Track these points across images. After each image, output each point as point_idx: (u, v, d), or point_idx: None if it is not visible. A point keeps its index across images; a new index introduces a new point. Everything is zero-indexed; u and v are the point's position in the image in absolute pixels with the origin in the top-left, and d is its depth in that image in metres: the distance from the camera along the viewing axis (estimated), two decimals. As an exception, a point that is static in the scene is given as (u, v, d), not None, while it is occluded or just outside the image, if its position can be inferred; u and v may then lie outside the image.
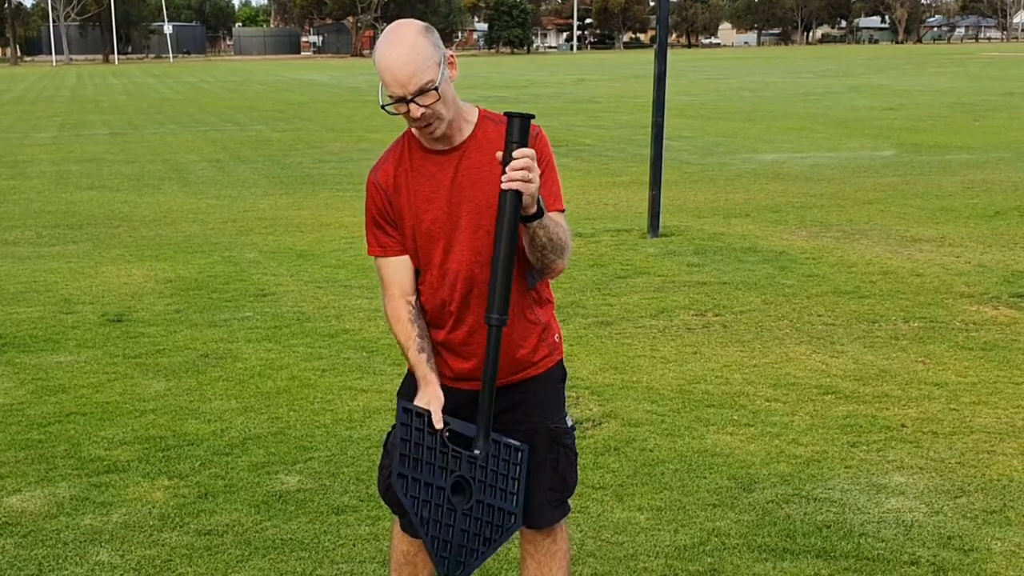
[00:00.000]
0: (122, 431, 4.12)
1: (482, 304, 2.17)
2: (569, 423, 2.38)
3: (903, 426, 4.14)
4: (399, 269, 2.25)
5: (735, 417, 4.24)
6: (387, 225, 2.24)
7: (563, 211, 2.22)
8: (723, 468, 3.73)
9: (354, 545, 3.18)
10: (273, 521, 3.34)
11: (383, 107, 2.12)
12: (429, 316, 2.27)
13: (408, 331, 2.24)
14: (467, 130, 2.19)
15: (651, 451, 3.89)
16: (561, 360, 2.37)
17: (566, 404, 2.40)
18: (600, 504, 3.45)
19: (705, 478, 3.65)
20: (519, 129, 2.04)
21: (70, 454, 3.89)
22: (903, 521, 3.32)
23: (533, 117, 2.07)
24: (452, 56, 2.12)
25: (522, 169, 2.02)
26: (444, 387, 2.24)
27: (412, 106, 2.06)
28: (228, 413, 4.32)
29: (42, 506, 3.44)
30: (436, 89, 2.06)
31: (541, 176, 2.11)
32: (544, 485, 2.35)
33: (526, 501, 2.34)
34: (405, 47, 2.05)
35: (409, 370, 2.37)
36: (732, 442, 3.98)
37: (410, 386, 2.37)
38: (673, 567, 3.03)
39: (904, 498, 3.49)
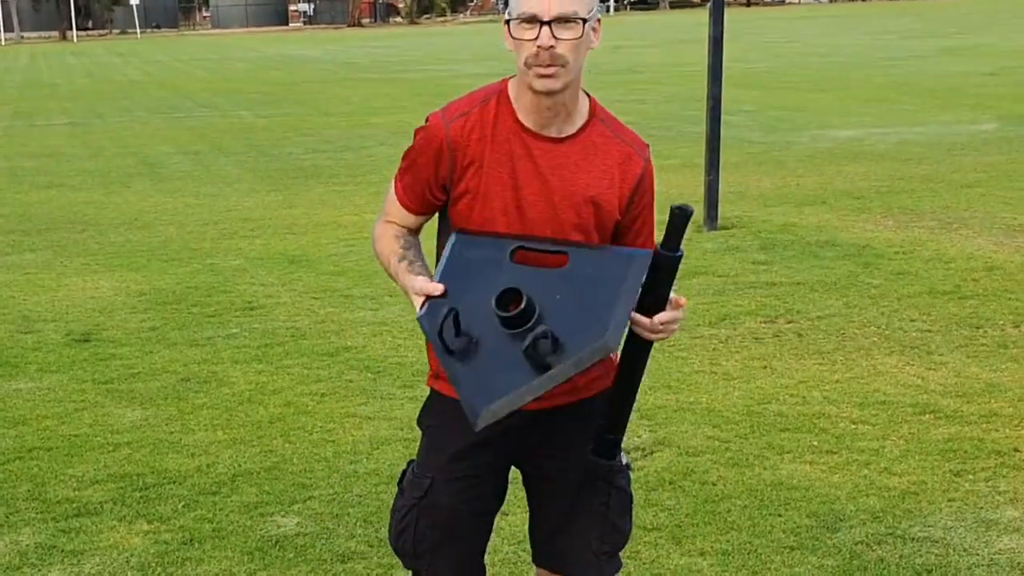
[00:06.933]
0: (93, 468, 4.17)
1: None
2: (624, 459, 2.32)
3: (1016, 451, 4.12)
4: (408, 218, 2.28)
5: (815, 443, 4.24)
6: (424, 181, 2.21)
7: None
8: (801, 504, 3.73)
9: (366, 599, 3.20)
10: (269, 571, 3.37)
11: (507, 22, 2.10)
12: None
13: (392, 244, 2.26)
14: (577, 122, 2.18)
15: (714, 485, 3.89)
16: None
17: None
18: (654, 548, 3.45)
19: (780, 516, 3.65)
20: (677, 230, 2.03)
21: (34, 495, 3.94)
22: (1018, 564, 3.31)
23: (692, 212, 2.05)
24: (599, 21, 2.14)
25: (673, 324, 2.07)
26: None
27: (545, 31, 2.04)
28: (214, 446, 4.37)
29: (3, 556, 3.50)
30: (584, 22, 2.06)
31: (640, 220, 2.19)
32: (591, 534, 2.32)
33: (569, 553, 2.32)
34: None
35: (431, 394, 2.37)
36: (812, 472, 3.97)
37: (433, 411, 2.36)
38: (744, 621, 3.03)
39: (1018, 536, 3.47)
